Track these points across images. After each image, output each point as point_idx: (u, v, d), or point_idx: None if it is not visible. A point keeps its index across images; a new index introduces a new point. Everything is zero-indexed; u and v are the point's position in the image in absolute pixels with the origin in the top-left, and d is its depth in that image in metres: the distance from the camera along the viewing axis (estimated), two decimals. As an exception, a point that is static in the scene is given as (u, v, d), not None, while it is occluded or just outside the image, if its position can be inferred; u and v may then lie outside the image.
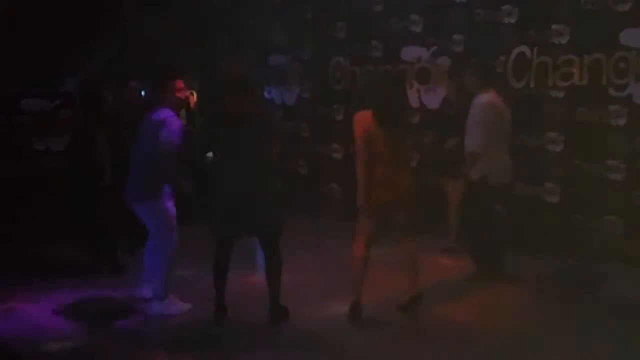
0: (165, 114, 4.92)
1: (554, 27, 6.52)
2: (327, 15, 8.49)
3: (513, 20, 6.80)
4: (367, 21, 8.09)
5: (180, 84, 5.06)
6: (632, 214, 6.12)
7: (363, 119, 4.71)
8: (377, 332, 4.69)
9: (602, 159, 6.30)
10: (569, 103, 6.47)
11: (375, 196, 4.67)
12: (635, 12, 6.03)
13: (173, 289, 5.12)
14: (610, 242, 6.23)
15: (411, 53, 7.72)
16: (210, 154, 4.81)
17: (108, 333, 4.82)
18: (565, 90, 6.49)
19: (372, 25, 8.05)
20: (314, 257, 6.61)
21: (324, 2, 8.54)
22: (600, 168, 6.31)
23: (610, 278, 5.77)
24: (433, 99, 7.58)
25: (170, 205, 5.03)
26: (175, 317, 5.00)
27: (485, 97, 5.47)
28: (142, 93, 7.00)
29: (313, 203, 8.58)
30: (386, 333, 4.67)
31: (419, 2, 7.62)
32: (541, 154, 6.64)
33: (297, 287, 5.38)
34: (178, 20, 8.67)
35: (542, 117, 6.63)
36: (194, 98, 10.22)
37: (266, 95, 9.11)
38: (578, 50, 6.38)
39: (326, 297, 5.34)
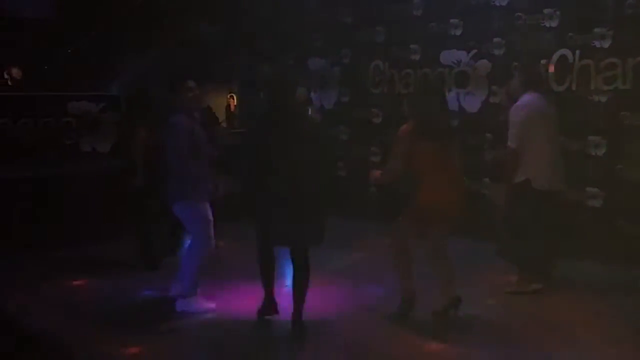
0: (174, 117, 5.01)
1: (596, 30, 6.46)
2: (366, 19, 8.55)
3: (554, 24, 6.77)
4: (407, 25, 8.12)
5: (190, 85, 5.07)
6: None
7: (407, 132, 4.69)
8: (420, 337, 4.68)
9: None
10: (612, 107, 6.41)
11: (423, 203, 4.69)
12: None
13: (204, 287, 5.21)
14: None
15: (450, 57, 7.72)
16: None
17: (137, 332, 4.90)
18: (608, 94, 6.43)
19: (411, 29, 8.08)
20: (352, 258, 6.65)
21: (363, 6, 8.59)
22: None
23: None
24: (472, 103, 7.57)
25: (206, 206, 5.10)
26: (199, 315, 5.06)
27: (527, 98, 5.39)
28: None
29: (351, 205, 8.62)
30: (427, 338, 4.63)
31: (459, 5, 7.61)
32: (583, 158, 6.58)
33: (337, 287, 5.42)
34: (222, 25, 8.82)
35: (584, 121, 6.57)
36: (234, 101, 10.43)
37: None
38: (621, 54, 6.32)
39: (363, 298, 5.38)
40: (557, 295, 5.44)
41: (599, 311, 5.12)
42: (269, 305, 4.92)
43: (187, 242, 5.30)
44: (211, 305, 5.21)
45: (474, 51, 7.49)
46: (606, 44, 6.40)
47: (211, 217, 5.12)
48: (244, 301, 5.26)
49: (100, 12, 8.49)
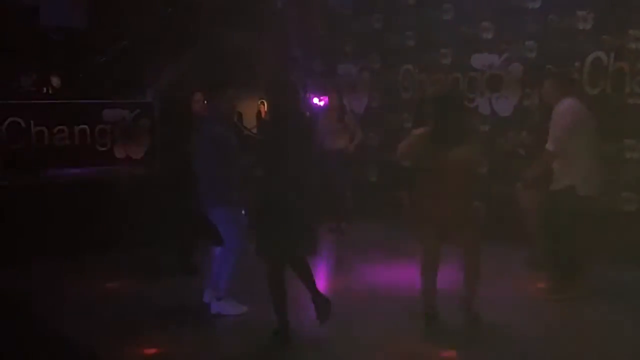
0: (216, 124, 5.17)
1: (630, 32, 6.36)
2: (396, 23, 8.54)
3: (588, 26, 6.68)
4: (437, 29, 8.10)
5: (229, 94, 5.27)
6: None
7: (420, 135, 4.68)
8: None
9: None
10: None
11: (430, 211, 4.64)
12: None
13: (238, 291, 5.25)
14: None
15: (482, 60, 7.67)
16: None
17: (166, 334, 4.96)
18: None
19: (442, 33, 8.05)
20: (382, 263, 6.66)
21: (393, 10, 8.59)
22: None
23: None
24: (505, 106, 7.51)
25: (238, 212, 5.18)
26: (232, 318, 5.13)
27: (568, 103, 5.30)
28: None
29: (383, 210, 8.61)
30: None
31: (490, 8, 7.57)
32: (619, 162, 6.48)
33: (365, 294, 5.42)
34: (251, 32, 8.90)
35: (620, 124, 6.47)
36: (264, 107, 10.47)
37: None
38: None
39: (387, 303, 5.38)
40: (589, 304, 5.31)
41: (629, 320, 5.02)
42: (283, 329, 4.64)
43: (217, 250, 5.35)
44: (244, 307, 5.26)
45: (506, 54, 7.43)
46: (641, 46, 6.31)
47: (245, 222, 5.19)
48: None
49: (132, 20, 8.63)
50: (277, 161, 4.42)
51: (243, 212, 5.23)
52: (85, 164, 7.67)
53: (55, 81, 8.42)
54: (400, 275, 6.06)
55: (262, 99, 10.20)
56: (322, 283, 5.33)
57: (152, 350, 4.65)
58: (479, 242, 4.73)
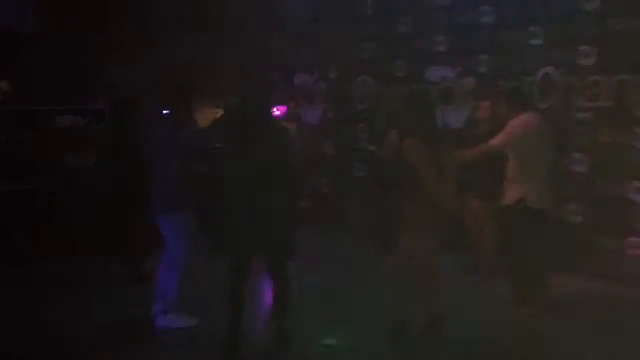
0: (169, 131, 5.18)
1: (581, 48, 6.55)
2: (352, 35, 8.60)
3: (540, 42, 6.85)
4: (392, 41, 8.18)
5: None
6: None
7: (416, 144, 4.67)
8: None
9: (626, 181, 6.32)
10: (595, 124, 6.49)
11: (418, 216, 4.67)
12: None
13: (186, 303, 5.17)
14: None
15: (436, 73, 7.79)
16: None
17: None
18: (591, 112, 6.51)
19: (398, 46, 8.14)
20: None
21: (350, 22, 8.63)
22: (624, 189, 6.34)
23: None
24: (457, 119, 7.64)
25: (189, 221, 5.10)
26: (181, 331, 5.03)
27: (524, 116, 5.38)
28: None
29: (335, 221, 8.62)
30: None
31: (445, 22, 7.70)
32: (567, 176, 6.64)
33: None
34: (208, 38, 8.85)
35: (568, 138, 6.64)
36: (221, 114, 10.36)
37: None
38: (605, 71, 6.41)
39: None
40: (551, 314, 5.38)
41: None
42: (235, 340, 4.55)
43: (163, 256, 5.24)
44: (193, 320, 5.18)
45: (459, 68, 7.56)
46: (591, 62, 6.48)
47: (191, 230, 5.13)
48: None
49: (84, 25, 8.48)
50: (253, 165, 4.42)
51: (194, 221, 5.15)
52: (36, 171, 7.46)
53: (5, 86, 8.18)
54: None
55: (219, 106, 10.11)
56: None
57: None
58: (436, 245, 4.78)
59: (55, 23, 8.45)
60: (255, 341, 4.76)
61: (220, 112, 8.05)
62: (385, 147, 4.96)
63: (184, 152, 5.06)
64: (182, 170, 5.02)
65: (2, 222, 6.80)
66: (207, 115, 7.77)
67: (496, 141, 5.33)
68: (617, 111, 6.36)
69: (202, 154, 5.41)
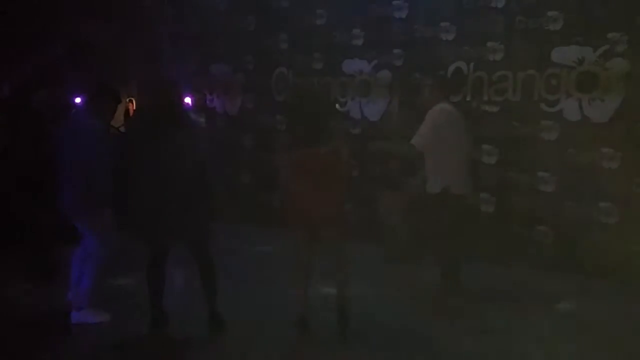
0: (85, 123, 5.02)
1: (489, 44, 6.81)
2: (269, 26, 8.58)
3: (451, 37, 7.07)
4: (310, 33, 8.22)
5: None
6: (561, 222, 6.49)
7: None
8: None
9: (534, 170, 6.64)
10: (503, 117, 6.77)
11: (301, 212, 4.67)
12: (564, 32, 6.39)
13: (103, 298, 5.09)
14: (545, 251, 6.56)
15: (352, 66, 7.89)
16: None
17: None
18: (499, 105, 6.79)
19: (315, 38, 8.19)
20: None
21: (267, 13, 8.61)
22: (532, 179, 6.66)
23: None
24: (373, 111, 7.77)
25: (102, 214, 4.98)
26: (94, 326, 4.94)
27: (440, 106, 5.53)
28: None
29: (256, 212, 8.60)
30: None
31: (361, 16, 7.80)
32: (478, 166, 6.88)
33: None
34: (115, 24, 8.60)
35: (478, 131, 6.88)
36: (133, 106, 10.13)
37: (208, 103, 9.15)
38: (512, 67, 6.69)
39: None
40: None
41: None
42: (160, 318, 4.79)
43: (78, 250, 5.11)
44: (106, 315, 5.07)
45: (375, 61, 7.69)
46: (499, 57, 6.75)
47: (108, 224, 5.01)
48: (139, 310, 5.06)
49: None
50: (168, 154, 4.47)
51: (110, 214, 5.02)
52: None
53: None
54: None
55: (131, 96, 9.87)
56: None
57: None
58: (346, 241, 4.80)
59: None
60: (189, 325, 4.85)
61: (130, 102, 7.84)
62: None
63: (98, 145, 4.90)
64: (95, 163, 4.85)
65: None
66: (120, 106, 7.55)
67: (415, 141, 5.45)
68: (523, 104, 6.65)
69: (115, 146, 5.28)
